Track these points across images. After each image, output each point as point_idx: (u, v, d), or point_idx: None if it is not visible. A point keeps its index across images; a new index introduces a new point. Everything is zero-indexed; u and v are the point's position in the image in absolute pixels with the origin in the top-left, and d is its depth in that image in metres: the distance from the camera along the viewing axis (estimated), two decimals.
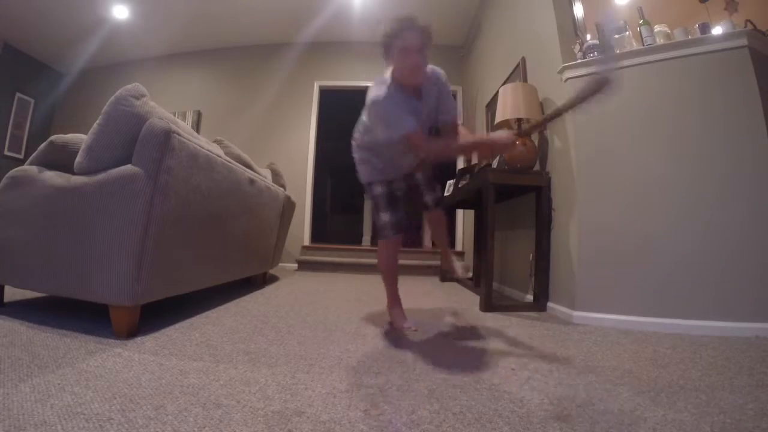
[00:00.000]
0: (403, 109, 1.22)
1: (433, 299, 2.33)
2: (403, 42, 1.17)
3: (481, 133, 1.40)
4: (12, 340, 1.07)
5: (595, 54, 1.91)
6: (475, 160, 1.40)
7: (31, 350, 1.00)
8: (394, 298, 1.54)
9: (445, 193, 3.45)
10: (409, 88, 1.26)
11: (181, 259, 1.43)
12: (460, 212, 4.32)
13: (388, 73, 1.27)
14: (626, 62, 1.82)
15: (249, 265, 2.22)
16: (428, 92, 1.31)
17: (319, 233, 5.36)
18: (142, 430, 0.65)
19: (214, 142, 1.99)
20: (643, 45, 1.83)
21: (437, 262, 3.66)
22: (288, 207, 2.87)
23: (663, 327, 1.58)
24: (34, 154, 1.41)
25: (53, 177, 1.30)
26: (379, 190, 1.48)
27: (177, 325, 1.37)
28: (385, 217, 1.46)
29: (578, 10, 2.19)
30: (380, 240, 1.50)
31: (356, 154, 1.51)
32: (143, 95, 1.29)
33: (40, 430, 0.62)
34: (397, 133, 1.20)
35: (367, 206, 6.50)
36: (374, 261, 4.03)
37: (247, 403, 0.78)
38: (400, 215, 1.48)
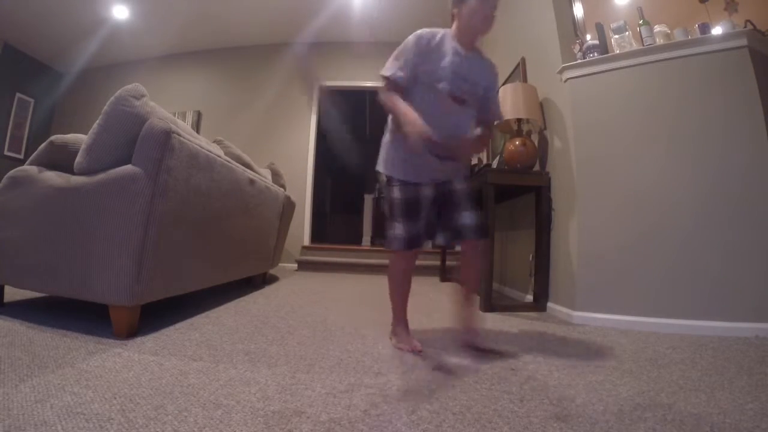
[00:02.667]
0: (431, 59, 1.15)
1: (433, 299, 2.33)
2: None
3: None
4: (12, 340, 1.07)
5: (595, 54, 1.91)
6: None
7: (31, 350, 1.00)
8: (404, 317, 1.30)
9: None
10: (468, 47, 1.19)
11: (181, 259, 1.43)
12: None
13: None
14: (626, 62, 1.82)
15: (249, 265, 2.22)
16: (480, 70, 1.22)
17: (319, 233, 5.37)
18: (142, 430, 0.65)
19: (214, 142, 1.99)
20: (643, 45, 1.83)
21: (436, 262, 3.65)
22: (288, 207, 2.87)
23: (663, 327, 1.58)
24: (34, 154, 1.41)
25: (53, 177, 1.30)
26: (397, 193, 1.23)
27: (177, 325, 1.37)
28: (398, 228, 1.21)
29: (578, 10, 2.19)
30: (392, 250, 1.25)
31: (385, 136, 1.29)
32: (143, 95, 1.29)
33: (40, 430, 0.62)
34: (384, 71, 1.16)
35: (368, 206, 6.48)
36: (374, 261, 4.08)
37: (247, 403, 0.78)
38: (418, 229, 1.23)
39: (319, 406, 0.78)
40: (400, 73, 1.15)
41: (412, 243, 1.21)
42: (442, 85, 1.16)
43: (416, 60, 1.16)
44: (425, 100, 1.17)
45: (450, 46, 1.18)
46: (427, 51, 1.16)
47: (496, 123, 1.34)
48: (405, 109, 1.09)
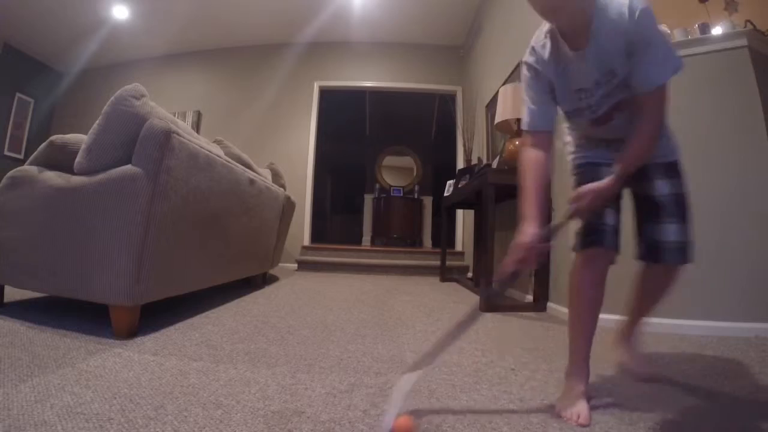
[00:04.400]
0: (539, 88, 0.87)
1: (433, 299, 2.33)
2: None
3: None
4: (12, 340, 1.07)
5: None
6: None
7: (31, 350, 1.00)
8: (582, 362, 0.89)
9: (445, 194, 3.43)
10: (573, 37, 0.80)
11: (181, 259, 1.43)
12: (460, 212, 4.32)
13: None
14: None
15: (249, 265, 2.22)
16: (601, 41, 0.77)
17: (319, 233, 5.36)
18: (142, 430, 0.65)
19: (214, 142, 1.99)
20: None
21: (436, 262, 3.65)
22: (288, 207, 2.87)
23: (663, 327, 1.57)
24: (34, 155, 1.41)
25: (53, 177, 1.30)
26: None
27: (177, 325, 1.37)
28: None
29: None
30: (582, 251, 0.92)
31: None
32: (143, 95, 1.29)
33: (40, 430, 0.62)
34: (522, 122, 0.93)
35: (368, 206, 6.47)
36: (374, 261, 4.08)
37: (247, 403, 0.78)
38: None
39: (319, 406, 0.78)
40: (527, 118, 0.91)
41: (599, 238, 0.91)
42: (584, 115, 0.91)
43: (538, 90, 0.89)
44: (577, 124, 0.98)
45: (552, 58, 0.84)
46: (544, 72, 0.86)
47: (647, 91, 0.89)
48: (526, 201, 0.91)
